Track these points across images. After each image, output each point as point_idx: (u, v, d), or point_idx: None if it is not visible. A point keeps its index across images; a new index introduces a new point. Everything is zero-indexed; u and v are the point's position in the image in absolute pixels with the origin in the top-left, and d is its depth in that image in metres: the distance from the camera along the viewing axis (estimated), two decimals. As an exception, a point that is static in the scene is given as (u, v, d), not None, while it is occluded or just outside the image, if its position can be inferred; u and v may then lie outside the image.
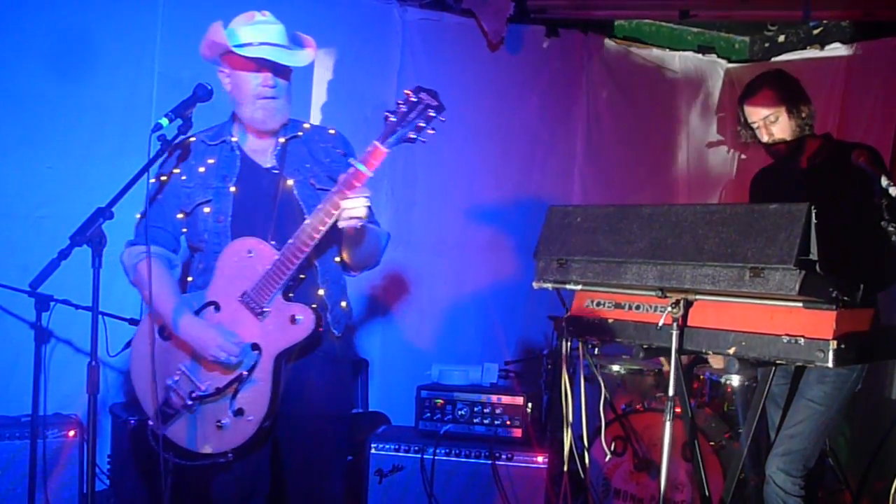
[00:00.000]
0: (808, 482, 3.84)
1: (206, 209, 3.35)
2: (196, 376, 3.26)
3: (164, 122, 3.13)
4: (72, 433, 4.52)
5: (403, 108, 3.08)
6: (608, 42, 6.78)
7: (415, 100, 3.08)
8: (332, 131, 3.59)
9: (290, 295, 3.28)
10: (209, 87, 3.24)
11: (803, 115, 3.92)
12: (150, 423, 3.25)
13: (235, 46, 3.22)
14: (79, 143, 4.94)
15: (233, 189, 3.36)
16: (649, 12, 6.70)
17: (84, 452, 4.47)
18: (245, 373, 3.24)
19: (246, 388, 3.25)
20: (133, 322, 4.62)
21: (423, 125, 3.09)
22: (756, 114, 3.94)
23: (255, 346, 3.24)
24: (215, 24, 3.31)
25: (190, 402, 3.25)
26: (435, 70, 6.07)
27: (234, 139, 3.44)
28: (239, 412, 3.24)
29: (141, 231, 3.37)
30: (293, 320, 3.22)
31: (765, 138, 3.95)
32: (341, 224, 3.12)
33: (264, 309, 3.23)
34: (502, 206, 6.39)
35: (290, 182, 3.39)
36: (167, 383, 3.27)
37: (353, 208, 3.09)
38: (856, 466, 5.10)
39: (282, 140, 3.45)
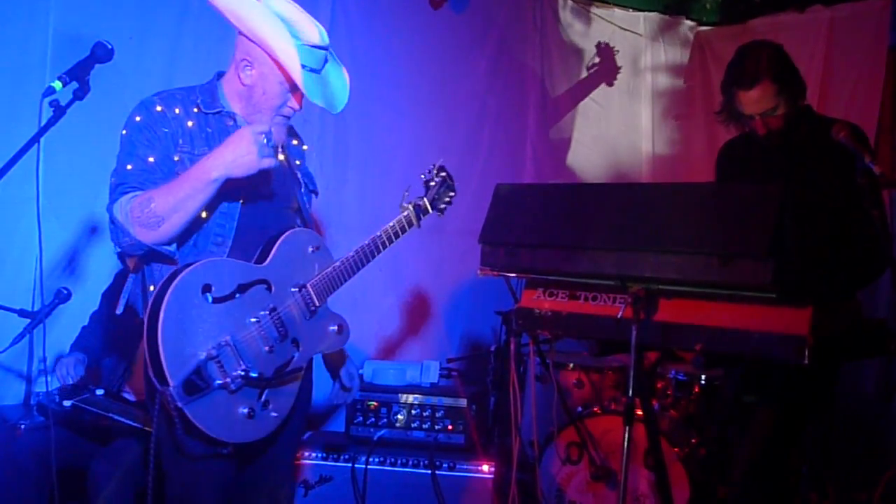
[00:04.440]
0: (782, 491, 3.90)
1: None
2: (244, 355, 3.21)
3: (58, 85, 3.07)
4: (-50, 439, 4.45)
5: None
6: (566, 1, 6.78)
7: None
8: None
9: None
10: (109, 47, 3.18)
11: (801, 99, 3.97)
12: (171, 390, 3.01)
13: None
14: (-38, 109, 4.83)
15: None
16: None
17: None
18: (285, 363, 3.34)
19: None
20: (23, 314, 4.55)
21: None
22: (754, 106, 3.92)
23: (295, 342, 3.36)
24: (270, 16, 3.29)
25: (233, 380, 3.16)
26: (370, 30, 6.04)
27: (238, 115, 3.43)
28: (265, 405, 3.27)
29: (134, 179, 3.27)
30: (340, 330, 3.57)
31: (760, 131, 3.97)
32: None
33: (317, 308, 3.44)
34: (445, 184, 6.39)
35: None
36: (206, 352, 3.12)
37: None
38: (834, 475, 5.19)
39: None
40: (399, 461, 4.93)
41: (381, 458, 4.94)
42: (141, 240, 3.17)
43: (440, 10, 6.32)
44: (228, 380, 3.13)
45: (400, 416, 5.08)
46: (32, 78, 4.88)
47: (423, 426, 5.07)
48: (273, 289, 3.33)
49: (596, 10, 6.96)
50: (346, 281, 3.54)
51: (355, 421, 5.13)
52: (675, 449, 4.65)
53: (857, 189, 3.26)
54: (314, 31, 3.33)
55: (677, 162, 7.20)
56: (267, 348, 3.25)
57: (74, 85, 3.13)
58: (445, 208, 3.94)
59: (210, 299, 3.15)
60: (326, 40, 3.36)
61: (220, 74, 3.50)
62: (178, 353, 3.06)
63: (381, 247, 3.63)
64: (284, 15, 3.31)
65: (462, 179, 6.43)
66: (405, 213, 3.72)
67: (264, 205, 3.45)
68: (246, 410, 3.19)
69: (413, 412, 5.09)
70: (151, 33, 5.31)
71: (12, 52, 4.94)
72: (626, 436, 3.33)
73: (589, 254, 3.34)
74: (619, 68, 7.08)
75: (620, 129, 7.06)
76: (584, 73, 6.96)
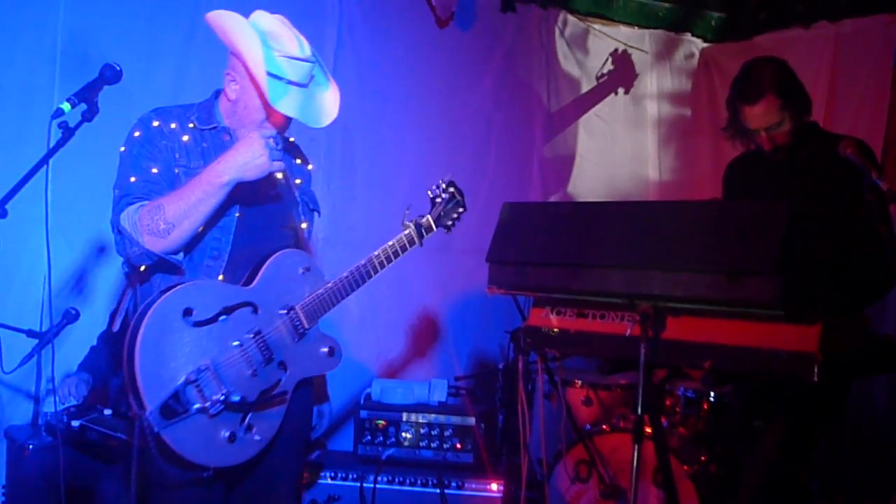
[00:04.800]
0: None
1: None
2: (224, 378, 3.18)
3: (66, 107, 3.08)
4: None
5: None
6: (570, 18, 6.80)
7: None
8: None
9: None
10: (118, 68, 3.19)
11: (806, 114, 3.98)
12: (148, 415, 3.02)
13: (271, 75, 3.27)
14: (-31, 130, 4.85)
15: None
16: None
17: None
18: (271, 387, 3.30)
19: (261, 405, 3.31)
20: (32, 334, 4.56)
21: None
22: (758, 121, 3.94)
23: (281, 364, 3.33)
24: (248, 28, 3.30)
25: (213, 405, 3.14)
26: (376, 49, 6.05)
27: (233, 129, 3.45)
28: (248, 428, 3.24)
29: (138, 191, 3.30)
30: (331, 353, 3.50)
31: (766, 146, 3.98)
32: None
33: (306, 331, 3.40)
34: (452, 202, 6.40)
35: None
36: (185, 376, 3.10)
37: None
38: (845, 491, 5.17)
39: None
40: (408, 480, 4.92)
41: (390, 478, 4.93)
42: (150, 248, 3.18)
43: (446, 29, 6.33)
44: (207, 404, 3.12)
45: (408, 435, 5.08)
46: (40, 98, 4.88)
47: (432, 445, 5.06)
48: (259, 311, 3.30)
49: (602, 28, 6.97)
50: (339, 302, 3.49)
51: (363, 440, 5.12)
52: (685, 466, 4.63)
53: (865, 205, 3.26)
54: (294, 44, 3.32)
55: (685, 178, 7.18)
56: (250, 372, 3.23)
57: (83, 106, 3.14)
58: (453, 225, 3.89)
59: (191, 323, 3.13)
60: (308, 53, 3.36)
61: (219, 92, 3.53)
62: (156, 377, 3.05)
63: (377, 267, 3.59)
64: (265, 28, 3.32)
65: (469, 196, 6.41)
66: (406, 232, 3.70)
67: (260, 221, 3.46)
68: (227, 434, 3.17)
69: (421, 431, 5.09)
70: (159, 54, 5.31)
71: (20, 72, 4.95)
72: (636, 453, 3.32)
73: (596, 272, 3.34)
74: (637, 75, 7.10)
75: (627, 145, 7.06)
76: (589, 89, 6.97)
